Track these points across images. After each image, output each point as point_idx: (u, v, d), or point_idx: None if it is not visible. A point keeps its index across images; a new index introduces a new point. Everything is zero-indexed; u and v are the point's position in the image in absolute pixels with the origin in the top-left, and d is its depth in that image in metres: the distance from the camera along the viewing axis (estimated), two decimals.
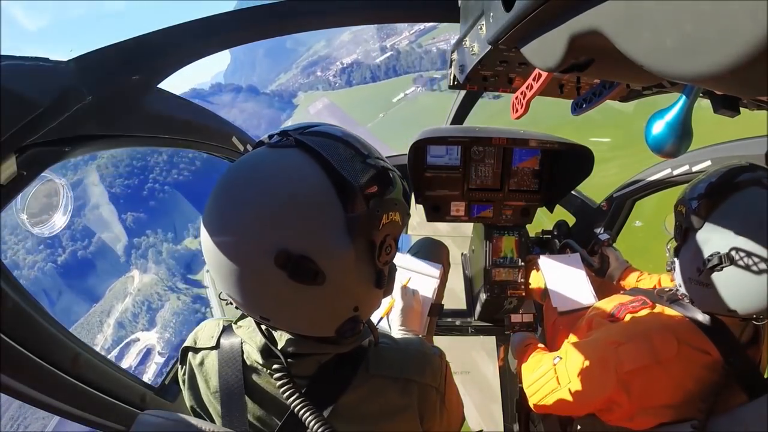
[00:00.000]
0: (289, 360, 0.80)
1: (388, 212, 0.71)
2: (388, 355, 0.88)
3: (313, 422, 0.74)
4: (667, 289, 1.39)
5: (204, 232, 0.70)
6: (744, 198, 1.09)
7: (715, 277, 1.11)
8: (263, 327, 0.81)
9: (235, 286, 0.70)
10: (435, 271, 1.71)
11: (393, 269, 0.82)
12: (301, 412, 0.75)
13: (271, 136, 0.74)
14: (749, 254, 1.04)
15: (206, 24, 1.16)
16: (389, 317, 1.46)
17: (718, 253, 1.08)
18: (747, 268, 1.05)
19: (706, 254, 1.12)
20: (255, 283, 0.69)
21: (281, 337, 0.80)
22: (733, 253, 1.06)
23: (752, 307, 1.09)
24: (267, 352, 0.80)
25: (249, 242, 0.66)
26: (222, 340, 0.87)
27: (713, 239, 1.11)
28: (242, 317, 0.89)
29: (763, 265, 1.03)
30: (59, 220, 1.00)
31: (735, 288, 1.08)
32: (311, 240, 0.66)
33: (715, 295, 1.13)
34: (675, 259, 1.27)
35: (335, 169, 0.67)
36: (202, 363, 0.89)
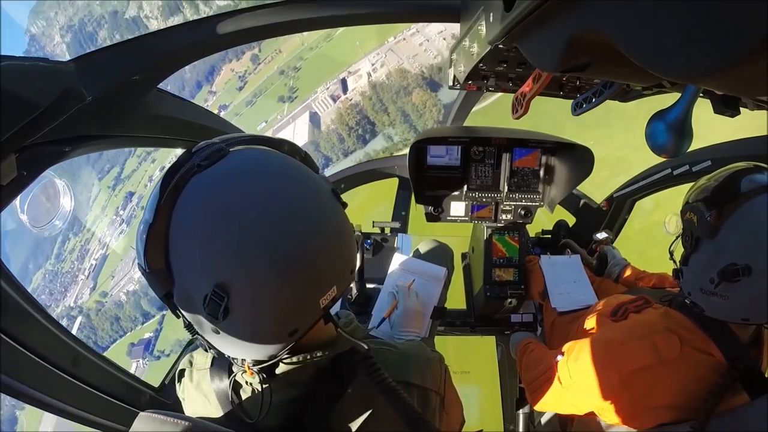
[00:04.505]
0: (288, 368, 0.79)
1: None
2: (388, 358, 0.88)
3: None
4: (669, 292, 1.38)
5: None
6: (758, 206, 1.06)
7: (732, 288, 1.08)
8: None
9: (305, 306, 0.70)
10: (439, 274, 1.68)
11: None
12: None
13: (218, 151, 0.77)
14: None
15: (206, 24, 1.16)
16: (391, 319, 1.45)
17: (735, 264, 1.06)
18: (766, 279, 1.02)
19: (720, 265, 1.08)
20: (345, 253, 0.75)
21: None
22: (752, 265, 1.03)
23: None
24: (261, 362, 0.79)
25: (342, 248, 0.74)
26: (216, 359, 0.88)
27: (728, 250, 1.08)
28: None
29: None
30: (60, 220, 1.00)
31: (753, 299, 1.07)
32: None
33: (730, 306, 1.11)
34: (683, 267, 1.24)
35: (303, 158, 0.80)
36: (199, 383, 0.90)
